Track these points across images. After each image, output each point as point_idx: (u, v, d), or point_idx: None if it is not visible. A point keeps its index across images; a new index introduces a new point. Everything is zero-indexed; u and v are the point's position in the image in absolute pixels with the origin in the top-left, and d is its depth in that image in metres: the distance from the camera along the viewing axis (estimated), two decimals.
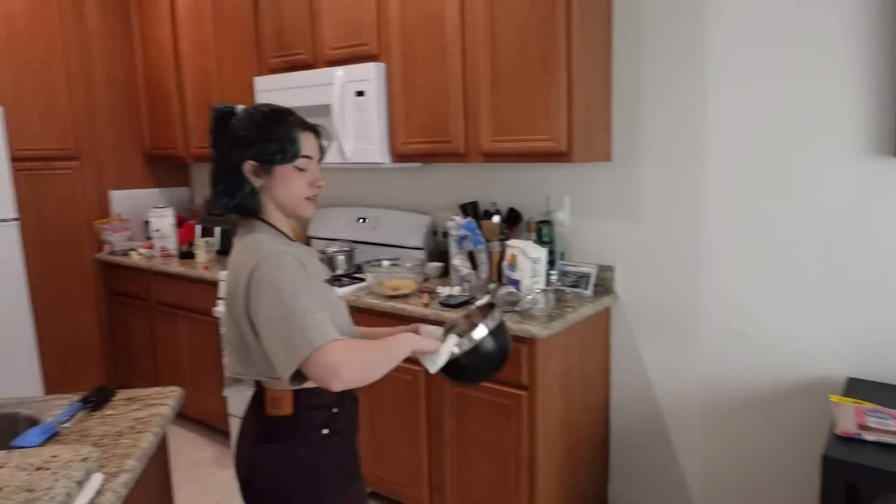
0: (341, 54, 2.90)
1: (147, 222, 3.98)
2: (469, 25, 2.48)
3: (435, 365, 1.36)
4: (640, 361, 2.59)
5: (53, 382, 3.65)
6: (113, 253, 3.76)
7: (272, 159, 1.38)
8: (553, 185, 2.73)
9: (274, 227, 1.43)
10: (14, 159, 3.42)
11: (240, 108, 1.43)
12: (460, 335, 1.44)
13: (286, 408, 1.40)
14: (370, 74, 2.75)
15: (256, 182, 1.40)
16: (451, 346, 1.37)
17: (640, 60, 2.45)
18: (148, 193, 4.11)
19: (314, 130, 1.46)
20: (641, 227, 2.53)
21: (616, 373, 2.66)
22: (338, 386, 1.24)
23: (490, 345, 1.38)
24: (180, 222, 3.86)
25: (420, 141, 2.70)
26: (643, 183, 2.50)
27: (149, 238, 3.89)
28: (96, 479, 1.14)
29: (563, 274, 2.59)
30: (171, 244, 3.65)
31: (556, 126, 2.30)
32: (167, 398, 1.54)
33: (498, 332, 1.40)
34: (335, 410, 1.43)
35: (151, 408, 1.48)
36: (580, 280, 2.53)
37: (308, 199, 1.43)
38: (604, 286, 2.61)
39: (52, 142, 3.66)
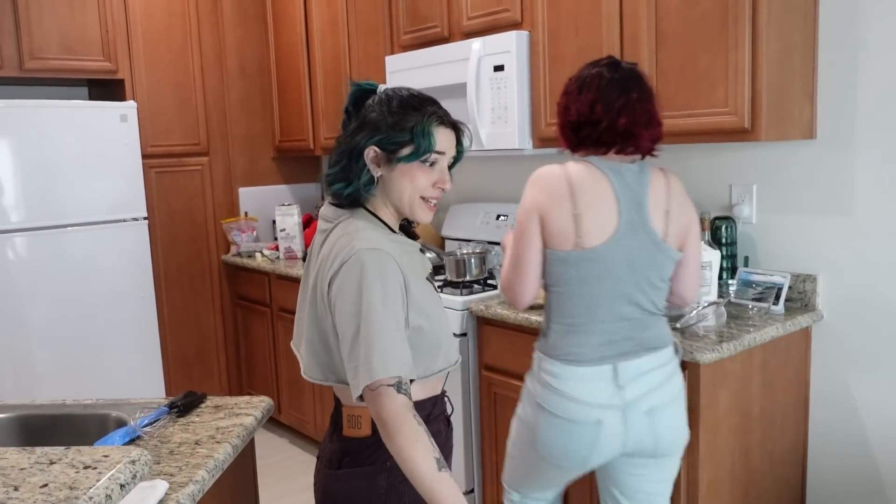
0: (479, 24, 2.93)
1: (274, 221, 4.29)
2: None
3: None
4: (850, 399, 2.32)
5: (177, 389, 4.04)
6: (239, 254, 4.10)
7: (397, 151, 1.39)
8: (736, 171, 2.55)
9: (377, 216, 1.45)
10: (146, 156, 3.84)
11: (382, 87, 1.46)
12: None
13: (364, 428, 1.41)
14: (510, 45, 2.75)
15: (376, 171, 1.42)
16: None
17: (858, 3, 2.21)
18: (277, 190, 4.43)
19: (455, 128, 1.46)
20: (856, 224, 2.27)
21: (816, 412, 2.40)
22: (381, 423, 1.27)
23: None
24: (308, 221, 4.11)
25: None
26: (860, 167, 2.25)
27: (276, 238, 4.19)
28: (161, 488, 1.23)
29: (746, 284, 2.39)
30: (297, 245, 3.90)
31: (736, 96, 2.14)
32: (254, 408, 1.63)
33: None
34: None
35: (236, 417, 1.57)
36: (767, 292, 2.32)
37: (425, 199, 1.44)
38: (801, 301, 2.38)
39: (183, 137, 4.06)
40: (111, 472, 0.94)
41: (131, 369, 3.68)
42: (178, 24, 4.00)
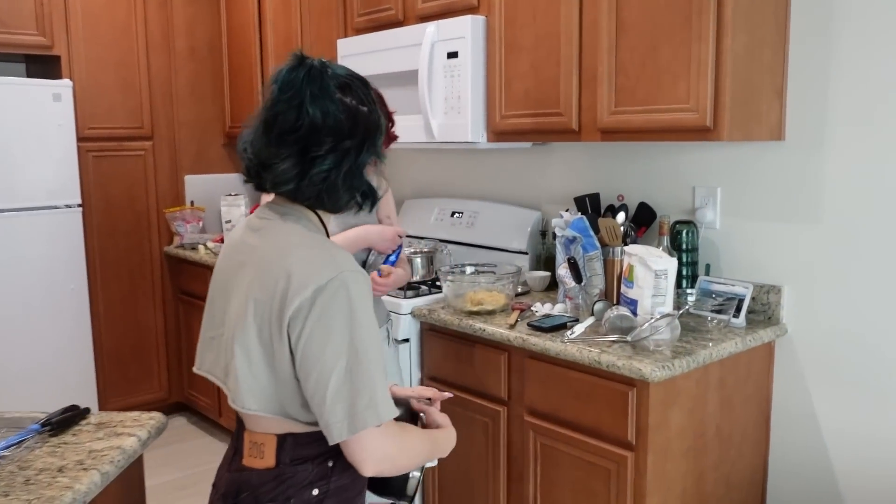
0: (435, 7, 2.79)
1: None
2: None
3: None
4: (814, 420, 2.20)
5: (113, 391, 3.84)
6: (181, 246, 3.91)
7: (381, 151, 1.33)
8: (700, 173, 2.42)
9: (321, 220, 1.34)
10: (82, 139, 3.64)
11: (315, 60, 1.30)
12: None
13: (268, 458, 1.25)
14: (465, 30, 2.60)
15: (374, 180, 1.33)
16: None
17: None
18: (227, 179, 4.22)
19: None
20: (825, 233, 2.14)
21: (778, 433, 2.29)
22: (369, 471, 1.22)
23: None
24: None
25: (522, 114, 2.51)
26: (831, 172, 2.12)
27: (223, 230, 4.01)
28: None
29: (706, 294, 2.26)
30: None
31: (699, 92, 2.01)
32: (140, 427, 1.46)
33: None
34: (331, 464, 1.27)
35: (117, 438, 1.41)
36: (728, 304, 2.19)
37: None
38: (765, 313, 2.26)
39: (125, 120, 3.85)
40: None
41: (62, 368, 3.50)
42: (121, 0, 3.79)
